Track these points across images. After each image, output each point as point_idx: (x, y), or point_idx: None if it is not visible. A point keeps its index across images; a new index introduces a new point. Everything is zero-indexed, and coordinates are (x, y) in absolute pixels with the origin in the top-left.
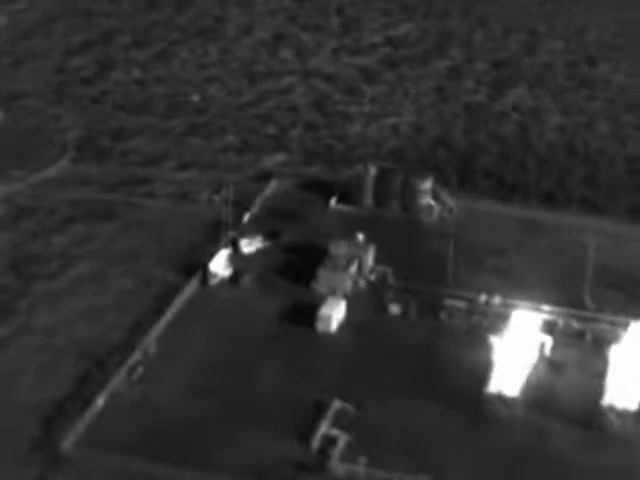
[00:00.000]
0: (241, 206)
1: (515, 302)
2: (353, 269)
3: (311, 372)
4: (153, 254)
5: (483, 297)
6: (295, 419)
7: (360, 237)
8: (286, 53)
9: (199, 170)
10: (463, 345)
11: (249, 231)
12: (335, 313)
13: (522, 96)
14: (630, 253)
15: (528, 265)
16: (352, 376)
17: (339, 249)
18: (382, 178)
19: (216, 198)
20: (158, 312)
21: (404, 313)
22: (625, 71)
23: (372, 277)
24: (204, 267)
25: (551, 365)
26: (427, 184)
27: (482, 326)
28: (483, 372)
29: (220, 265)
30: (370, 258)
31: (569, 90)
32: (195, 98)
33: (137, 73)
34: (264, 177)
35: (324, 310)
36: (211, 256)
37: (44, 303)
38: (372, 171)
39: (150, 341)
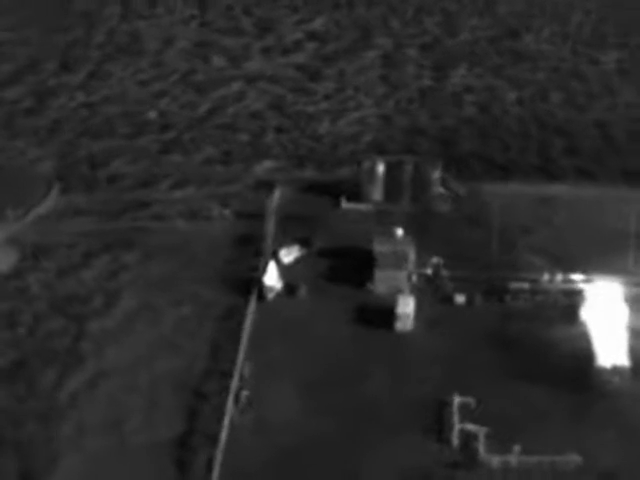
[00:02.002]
0: (256, 217)
1: (578, 276)
2: (409, 265)
3: (412, 371)
4: (192, 277)
5: (546, 275)
6: (423, 420)
7: (399, 232)
8: (218, 60)
9: (195, 186)
10: (551, 324)
11: (285, 241)
12: (412, 311)
13: (466, 76)
14: None
15: (562, 240)
16: (454, 370)
17: (383, 247)
18: (392, 171)
19: (227, 213)
20: (231, 333)
21: (469, 301)
22: (549, 40)
23: (428, 270)
24: (258, 282)
25: (634, 332)
26: (437, 173)
27: (550, 304)
28: (581, 347)
29: (274, 278)
30: (414, 252)
31: (508, 65)
32: (152, 115)
33: (81, 97)
34: (263, 186)
35: (402, 309)
36: (254, 271)
37: (109, 342)
38: (380, 165)
39: (242, 364)
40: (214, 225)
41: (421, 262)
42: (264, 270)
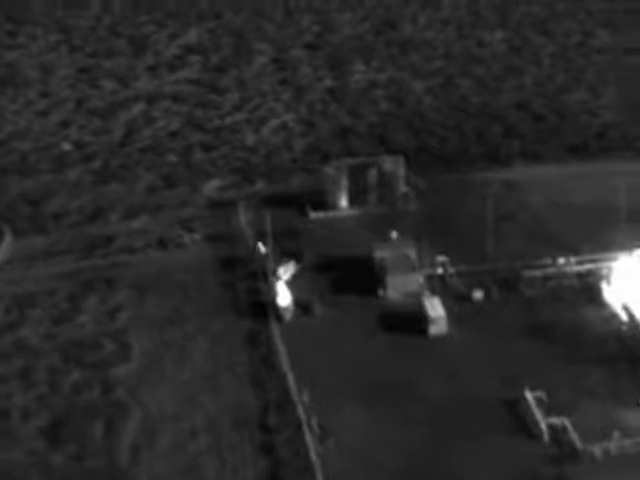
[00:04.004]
0: (226, 238)
1: (591, 256)
2: (419, 268)
3: (463, 373)
4: (196, 307)
5: (561, 260)
6: (500, 419)
7: (394, 234)
8: (108, 83)
9: (148, 214)
10: (576, 307)
11: (280, 259)
12: (444, 313)
13: (366, 71)
14: None
15: (557, 221)
16: (502, 365)
17: (386, 252)
18: (355, 175)
19: (197, 237)
20: (265, 360)
21: (487, 296)
22: (428, 27)
23: (439, 270)
24: (272, 305)
25: None
26: (400, 172)
27: (567, 288)
28: (615, 327)
29: (287, 299)
30: (415, 253)
31: (401, 56)
32: (67, 146)
33: None
34: (220, 205)
35: (434, 312)
36: (257, 293)
37: (143, 386)
38: (344, 170)
39: (300, 392)
40: (189, 251)
41: (425, 263)
42: (273, 291)
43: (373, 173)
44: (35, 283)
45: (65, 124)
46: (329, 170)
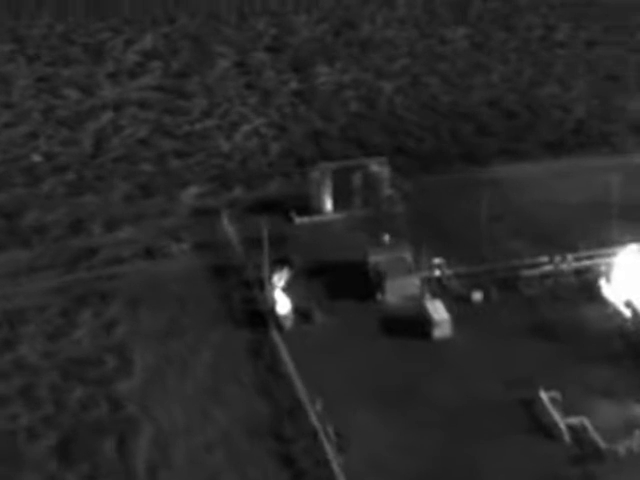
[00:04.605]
0: (214, 246)
1: (587, 253)
2: (417, 271)
3: (473, 376)
4: (193, 319)
5: (557, 258)
6: (516, 421)
7: (387, 238)
8: (71, 92)
9: (131, 225)
10: (576, 304)
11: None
12: (448, 316)
13: (331, 73)
14: None
15: (546, 219)
16: (510, 366)
17: (381, 256)
18: (339, 179)
19: (185, 246)
20: (270, 371)
21: (486, 297)
22: (387, 25)
23: (437, 272)
24: (272, 314)
25: None
26: (385, 174)
27: (565, 286)
28: (618, 324)
29: (286, 306)
30: (410, 255)
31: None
32: (37, 158)
33: None
34: (202, 213)
35: (437, 315)
36: (254, 302)
37: (151, 402)
38: (329, 173)
39: (313, 401)
40: (177, 261)
41: (422, 265)
42: (271, 299)
43: (358, 176)
44: (25, 298)
45: (33, 135)
46: (314, 174)
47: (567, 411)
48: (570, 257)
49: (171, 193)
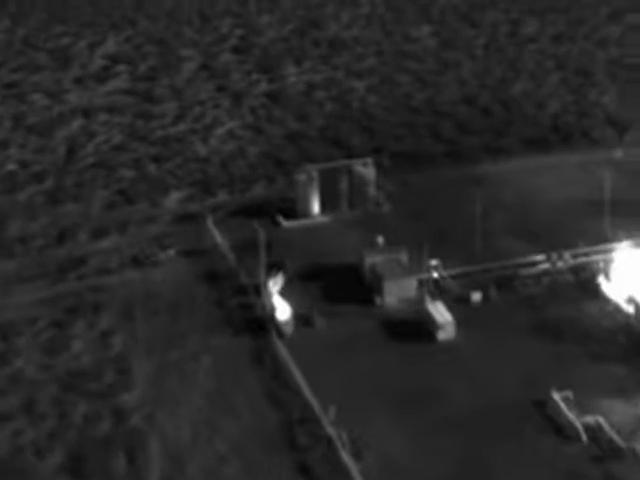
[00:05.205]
0: (201, 252)
1: (587, 249)
2: (414, 272)
3: (483, 377)
4: (191, 326)
5: (554, 255)
6: (531, 422)
7: (380, 240)
8: (39, 98)
9: (116, 234)
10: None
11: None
12: (451, 318)
13: (301, 73)
14: None
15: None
16: (518, 367)
17: (375, 258)
18: (325, 181)
19: (172, 253)
20: (276, 378)
21: (485, 297)
22: (353, 24)
23: (435, 274)
24: (272, 320)
25: None
26: (371, 174)
27: (564, 283)
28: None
29: (286, 312)
30: (406, 257)
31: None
32: (12, 166)
33: None
34: (186, 219)
35: (441, 318)
36: (250, 307)
37: (158, 413)
38: (314, 176)
39: (327, 410)
40: (166, 269)
41: (418, 267)
42: (270, 306)
43: (344, 178)
44: (15, 310)
45: (4, 144)
46: (300, 177)
47: (583, 410)
48: (567, 255)
49: (153, 199)
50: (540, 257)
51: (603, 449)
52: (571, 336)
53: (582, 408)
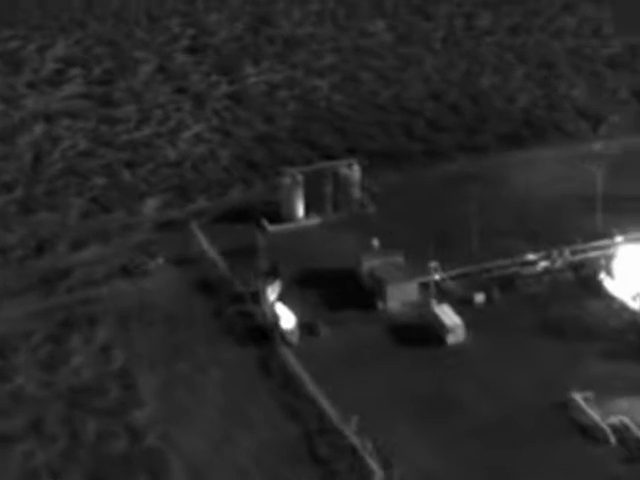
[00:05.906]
0: (192, 260)
1: (584, 247)
2: (415, 275)
3: (497, 380)
4: (192, 337)
5: (555, 253)
6: (554, 424)
7: (375, 243)
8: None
9: (97, 244)
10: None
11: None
12: (460, 321)
13: (261, 73)
14: None
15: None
16: (530, 368)
17: (372, 262)
18: (310, 184)
19: (162, 262)
20: (288, 388)
21: (489, 298)
22: (304, 21)
23: (436, 276)
24: (277, 329)
25: None
26: (356, 176)
27: (566, 282)
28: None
29: (290, 321)
30: (403, 260)
31: (289, 54)
32: None
33: None
34: (166, 226)
35: (450, 321)
36: (250, 316)
37: (171, 431)
38: (299, 179)
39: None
40: (157, 278)
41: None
42: (273, 314)
43: (329, 180)
44: (7, 324)
45: None
46: (285, 180)
47: (605, 411)
48: (567, 252)
49: (129, 207)
50: (536, 255)
51: (631, 450)
52: (579, 335)
53: (603, 409)
